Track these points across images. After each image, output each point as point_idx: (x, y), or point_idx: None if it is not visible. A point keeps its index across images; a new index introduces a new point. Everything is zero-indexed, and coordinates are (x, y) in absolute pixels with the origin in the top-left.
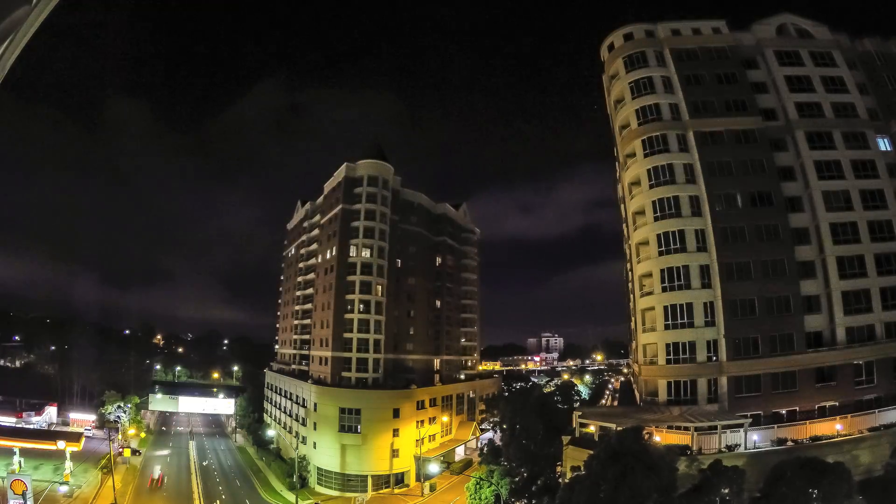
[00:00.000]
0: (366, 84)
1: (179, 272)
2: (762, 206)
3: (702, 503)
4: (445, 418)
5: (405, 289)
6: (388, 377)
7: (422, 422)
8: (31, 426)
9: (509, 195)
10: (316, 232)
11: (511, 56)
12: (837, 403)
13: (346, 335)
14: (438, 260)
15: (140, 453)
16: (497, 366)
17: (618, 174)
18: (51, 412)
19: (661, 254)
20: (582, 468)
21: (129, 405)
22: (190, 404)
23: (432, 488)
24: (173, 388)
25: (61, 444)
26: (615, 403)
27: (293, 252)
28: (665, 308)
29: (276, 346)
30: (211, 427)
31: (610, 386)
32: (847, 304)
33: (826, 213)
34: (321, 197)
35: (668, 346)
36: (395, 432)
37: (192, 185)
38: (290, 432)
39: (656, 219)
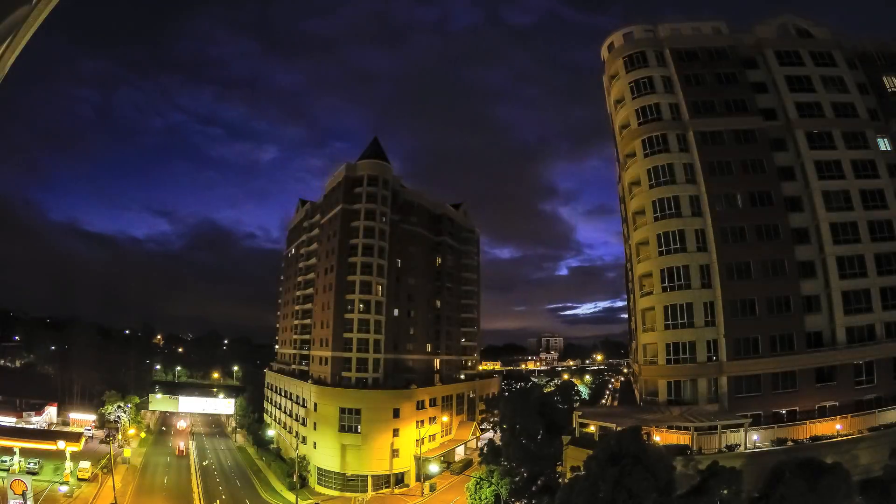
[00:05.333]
0: None
1: (180, 272)
2: (762, 205)
3: (700, 503)
4: (445, 418)
5: (405, 289)
6: (388, 377)
7: (422, 422)
8: (31, 426)
9: None
10: (316, 232)
11: None
12: (837, 403)
13: (346, 335)
14: (438, 260)
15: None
16: (497, 366)
17: (618, 174)
18: (51, 412)
19: (661, 254)
20: (582, 468)
21: (129, 405)
22: (190, 404)
23: (432, 488)
24: (173, 388)
25: (61, 444)
26: (615, 403)
27: (293, 252)
28: (665, 308)
29: (276, 346)
30: (211, 427)
31: (610, 386)
32: (847, 304)
33: (826, 212)
34: (321, 197)
35: (668, 346)
36: (395, 432)
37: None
38: (290, 432)
39: (656, 219)
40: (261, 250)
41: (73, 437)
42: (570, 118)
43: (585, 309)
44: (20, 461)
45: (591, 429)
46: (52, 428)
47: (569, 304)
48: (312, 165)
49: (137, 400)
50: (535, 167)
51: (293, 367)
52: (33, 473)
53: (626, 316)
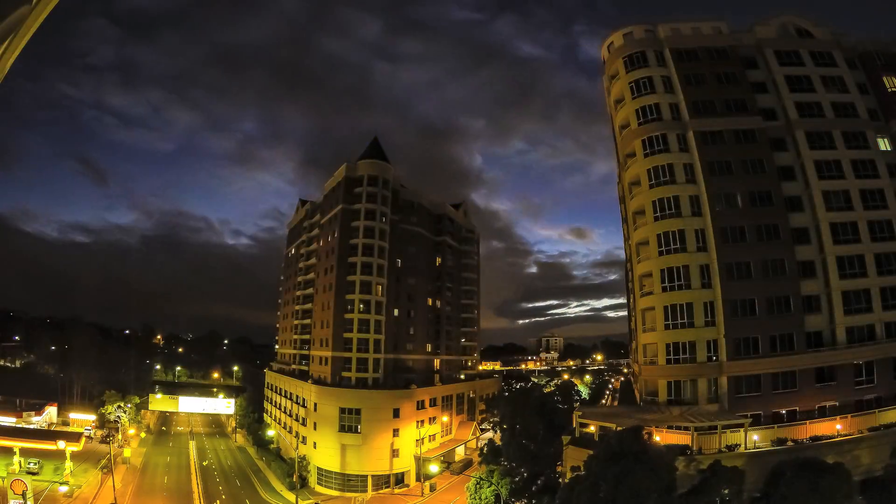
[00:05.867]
0: None
1: (180, 272)
2: (762, 205)
3: (701, 503)
4: (445, 418)
5: (405, 289)
6: (388, 377)
7: (422, 422)
8: (31, 426)
9: None
10: (316, 232)
11: None
12: (837, 403)
13: (346, 335)
14: (438, 260)
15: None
16: (497, 366)
17: (618, 174)
18: (51, 412)
19: (661, 254)
20: (582, 468)
21: (129, 405)
22: (190, 404)
23: (432, 488)
24: (173, 388)
25: (61, 444)
26: (615, 403)
27: (293, 252)
28: (665, 308)
29: (276, 346)
30: (211, 427)
31: (610, 386)
32: (847, 304)
33: (826, 212)
34: (321, 197)
35: (668, 346)
36: (395, 432)
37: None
38: (290, 432)
39: (656, 219)
40: (214, 244)
41: (73, 437)
42: (473, 92)
43: (573, 309)
44: (20, 461)
45: (591, 429)
46: (52, 428)
47: (554, 303)
48: (222, 149)
49: (137, 400)
50: (450, 149)
51: (293, 367)
52: (33, 473)
53: (607, 315)
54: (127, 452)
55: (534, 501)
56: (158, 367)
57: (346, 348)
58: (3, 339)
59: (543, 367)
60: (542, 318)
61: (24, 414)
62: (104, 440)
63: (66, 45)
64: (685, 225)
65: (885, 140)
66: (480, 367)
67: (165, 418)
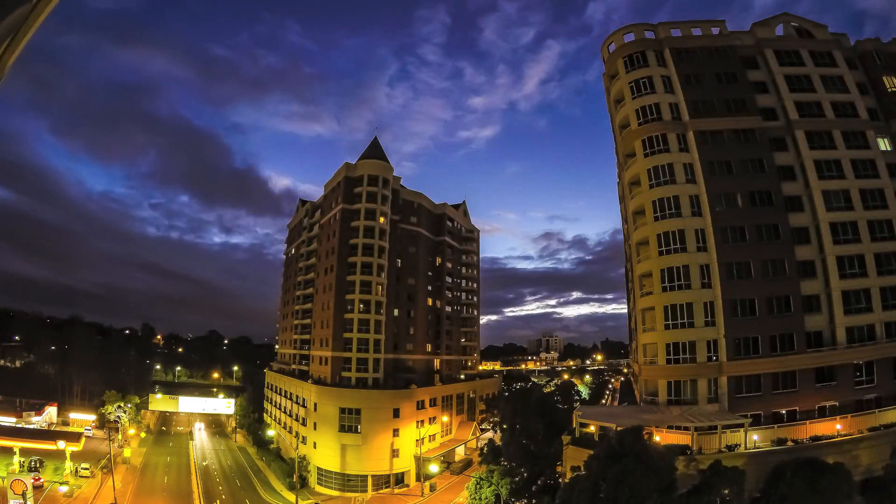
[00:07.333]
0: None
1: (181, 272)
2: (762, 205)
3: (702, 503)
4: (445, 418)
5: (405, 288)
6: (388, 377)
7: (422, 422)
8: (31, 426)
9: None
10: (316, 231)
11: None
12: (837, 403)
13: (346, 335)
14: (438, 260)
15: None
16: (497, 366)
17: (618, 174)
18: (51, 412)
19: (661, 254)
20: (582, 468)
21: (129, 405)
22: (190, 404)
23: (432, 488)
24: (173, 388)
25: (61, 444)
26: (615, 403)
27: (293, 252)
28: (665, 308)
29: (276, 346)
30: (211, 427)
31: (610, 386)
32: (847, 304)
33: (826, 212)
34: (321, 197)
35: (668, 346)
36: (396, 432)
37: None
38: (290, 432)
39: (656, 219)
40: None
41: (73, 437)
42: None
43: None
44: (21, 460)
45: (591, 429)
46: (52, 428)
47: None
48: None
49: (137, 400)
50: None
51: (293, 367)
52: (34, 471)
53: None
54: (127, 452)
55: (534, 501)
56: (158, 367)
57: (346, 348)
58: (3, 339)
59: (543, 367)
60: (498, 316)
61: (24, 414)
62: (105, 439)
63: None
64: (685, 225)
65: (885, 140)
66: (480, 367)
67: (165, 418)
